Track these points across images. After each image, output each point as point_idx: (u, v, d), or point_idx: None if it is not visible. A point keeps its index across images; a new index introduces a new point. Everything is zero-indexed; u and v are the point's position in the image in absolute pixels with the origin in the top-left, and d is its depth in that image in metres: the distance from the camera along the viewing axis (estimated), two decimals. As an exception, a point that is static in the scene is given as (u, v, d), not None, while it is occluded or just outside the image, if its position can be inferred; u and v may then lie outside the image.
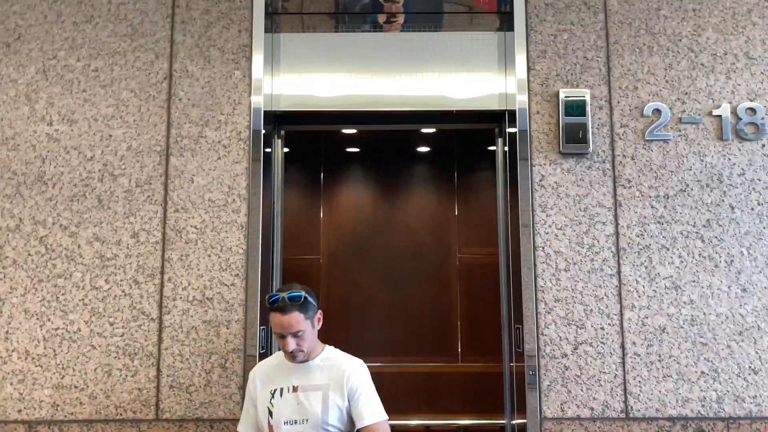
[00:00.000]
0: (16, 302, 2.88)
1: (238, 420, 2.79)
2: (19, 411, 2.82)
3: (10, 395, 2.83)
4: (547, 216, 2.95)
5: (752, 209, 2.94)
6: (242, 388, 2.84)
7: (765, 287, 2.89)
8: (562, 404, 2.83)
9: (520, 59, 3.06)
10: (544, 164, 2.99)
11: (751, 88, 3.03)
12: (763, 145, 2.99)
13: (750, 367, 2.84)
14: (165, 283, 2.91)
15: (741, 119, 3.00)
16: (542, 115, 3.02)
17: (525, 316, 2.89)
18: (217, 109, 3.03)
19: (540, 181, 2.98)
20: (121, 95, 3.03)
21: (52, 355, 2.85)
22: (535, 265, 2.92)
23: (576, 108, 2.98)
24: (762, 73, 3.04)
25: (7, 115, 3.01)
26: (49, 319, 2.87)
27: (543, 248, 2.93)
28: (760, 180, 2.96)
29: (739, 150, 2.99)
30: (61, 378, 2.84)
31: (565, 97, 2.99)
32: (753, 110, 3.01)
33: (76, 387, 2.84)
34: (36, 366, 2.84)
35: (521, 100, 3.03)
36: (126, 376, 2.85)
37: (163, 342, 2.87)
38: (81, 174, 2.97)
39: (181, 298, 2.89)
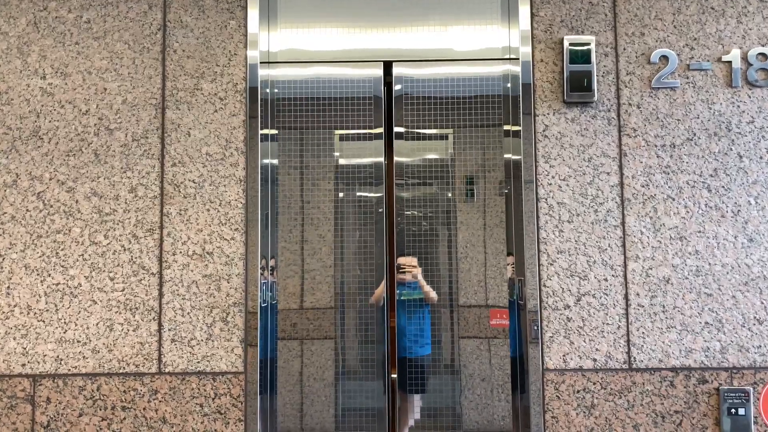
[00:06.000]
0: (16, 258, 2.87)
1: (240, 373, 2.82)
2: (23, 365, 2.84)
3: (13, 350, 2.84)
4: (550, 167, 2.90)
5: (761, 158, 2.88)
6: (243, 341, 2.84)
7: (772, 237, 2.84)
8: (564, 356, 2.82)
9: (524, 6, 2.96)
10: (548, 114, 2.92)
11: (762, 33, 2.93)
12: (774, 92, 2.91)
13: (755, 317, 2.81)
14: (164, 237, 2.88)
15: (752, 65, 2.91)
16: (546, 63, 2.94)
17: (527, 268, 2.86)
18: (212, 61, 2.96)
19: (543, 131, 2.91)
20: (114, 47, 2.97)
21: (54, 310, 2.85)
22: (537, 216, 2.88)
23: (581, 55, 2.90)
24: (774, 16, 2.94)
25: (-1, 69, 2.96)
26: (49, 275, 2.87)
27: (546, 200, 2.88)
28: (769, 128, 2.89)
29: (749, 97, 2.90)
30: (64, 332, 2.85)
31: (570, 44, 2.90)
32: (764, 55, 2.91)
33: (78, 341, 2.85)
34: (38, 321, 2.85)
35: (524, 52, 2.95)
36: (128, 330, 2.85)
37: (163, 296, 2.86)
38: (76, 128, 2.93)
39: (180, 252, 2.88)
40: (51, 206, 2.90)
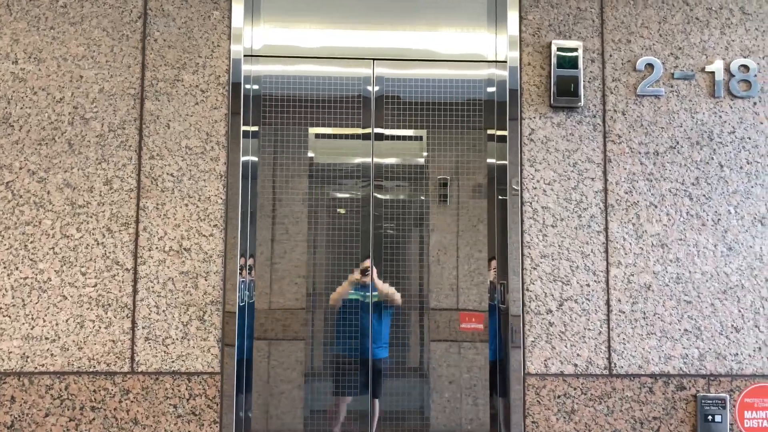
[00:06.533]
0: (-19, 250, 2.75)
1: (217, 373, 2.74)
2: (-14, 362, 2.71)
3: (-24, 346, 2.71)
4: (535, 171, 2.89)
5: (741, 168, 2.91)
6: (221, 341, 2.76)
7: (750, 246, 2.88)
8: (545, 360, 2.81)
9: (513, 9, 2.95)
10: (534, 117, 2.91)
11: (745, 45, 2.98)
12: (755, 103, 2.95)
13: (732, 325, 2.85)
14: (140, 232, 2.79)
15: (734, 76, 2.95)
16: (533, 67, 2.93)
17: (510, 271, 2.84)
18: (194, 52, 2.87)
19: (529, 134, 2.90)
20: (92, 34, 2.86)
21: (21, 305, 2.73)
22: (522, 220, 2.87)
23: (568, 60, 2.90)
24: (756, 29, 2.98)
25: (-31, 52, 2.83)
26: (17, 268, 2.74)
27: (530, 203, 2.87)
28: (750, 138, 2.92)
29: (731, 107, 2.94)
30: (31, 329, 2.72)
31: (558, 48, 2.90)
32: (746, 67, 2.95)
33: (46, 338, 2.73)
34: (3, 316, 2.72)
35: (512, 56, 2.93)
36: (99, 327, 2.74)
37: (138, 293, 2.76)
38: (50, 116, 2.81)
39: (157, 248, 2.78)
40: (20, 197, 2.77)
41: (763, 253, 2.87)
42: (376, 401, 2.87)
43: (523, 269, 2.85)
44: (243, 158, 2.85)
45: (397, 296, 2.88)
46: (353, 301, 2.89)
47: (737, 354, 2.84)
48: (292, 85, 2.95)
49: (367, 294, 2.88)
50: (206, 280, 2.78)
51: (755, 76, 2.94)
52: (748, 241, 2.88)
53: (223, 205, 2.81)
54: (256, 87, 2.92)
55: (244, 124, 2.86)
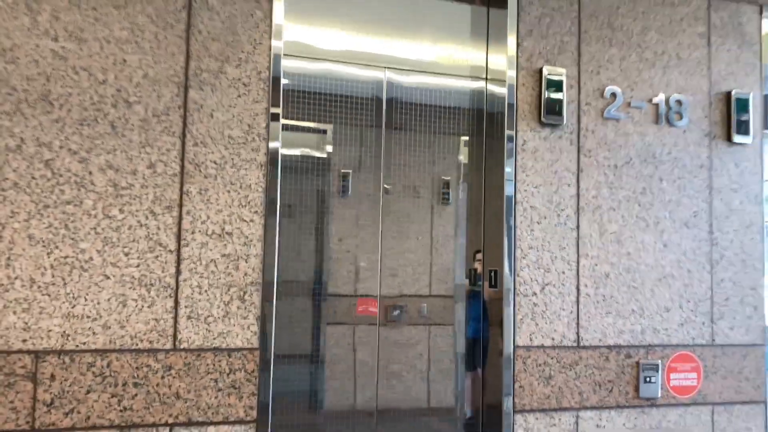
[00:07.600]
0: (18, 227, 2.71)
1: (256, 349, 2.96)
2: (24, 341, 2.69)
3: (13, 324, 2.69)
4: (526, 176, 3.42)
5: (674, 182, 3.67)
6: (260, 319, 2.98)
7: (678, 244, 3.65)
8: (530, 335, 3.37)
9: (511, 37, 3.45)
10: (526, 131, 3.44)
11: (679, 84, 3.74)
12: (684, 131, 3.72)
13: (664, 306, 3.60)
14: (183, 215, 2.91)
15: (671, 108, 3.69)
16: (526, 87, 3.46)
17: (504, 260, 3.35)
18: (237, 47, 3.03)
19: (522, 145, 3.43)
20: (136, 19, 2.91)
21: (62, 284, 2.75)
22: (514, 217, 3.39)
23: (555, 85, 3.46)
24: (687, 71, 3.75)
25: (3, 24, 2.75)
26: (57, 247, 2.75)
27: (522, 203, 3.41)
28: (681, 159, 3.69)
29: (668, 133, 3.69)
30: (72, 307, 2.75)
31: (548, 74, 3.45)
32: (680, 102, 3.71)
33: (88, 317, 2.77)
34: (43, 295, 2.72)
35: (510, 75, 3.44)
36: (142, 306, 2.84)
37: (181, 274, 2.89)
38: (92, 97, 2.83)
39: (200, 231, 2.93)
40: (61, 176, 2.77)
41: (686, 250, 3.66)
42: None
43: (514, 258, 3.37)
44: (282, 151, 3.07)
45: None
46: None
47: (667, 329, 3.60)
48: (326, 82, 3.22)
49: None
50: (247, 263, 2.98)
51: (686, 109, 3.71)
52: (676, 240, 3.64)
53: (263, 193, 3.02)
54: (295, 83, 3.16)
55: (283, 119, 3.08)
